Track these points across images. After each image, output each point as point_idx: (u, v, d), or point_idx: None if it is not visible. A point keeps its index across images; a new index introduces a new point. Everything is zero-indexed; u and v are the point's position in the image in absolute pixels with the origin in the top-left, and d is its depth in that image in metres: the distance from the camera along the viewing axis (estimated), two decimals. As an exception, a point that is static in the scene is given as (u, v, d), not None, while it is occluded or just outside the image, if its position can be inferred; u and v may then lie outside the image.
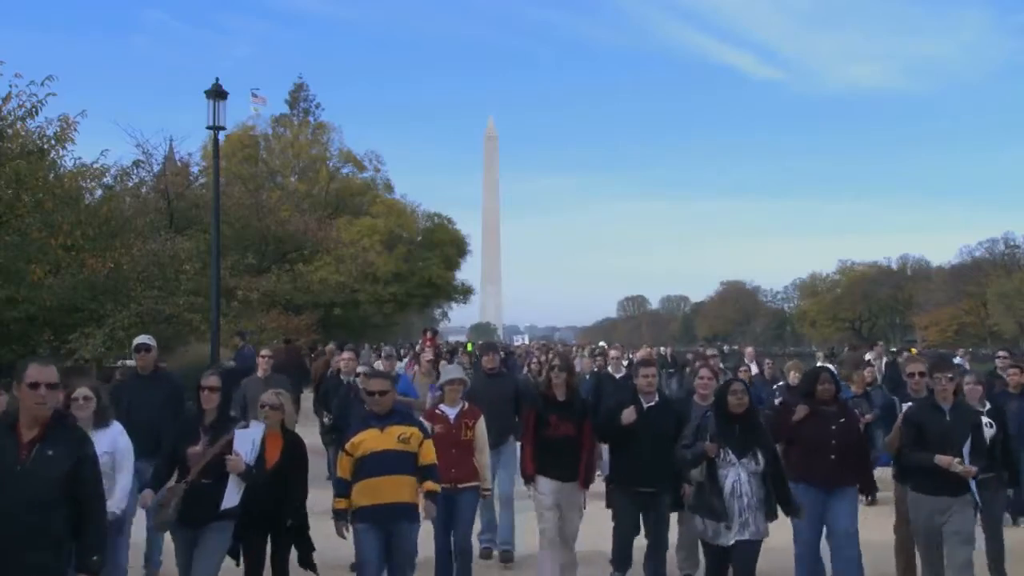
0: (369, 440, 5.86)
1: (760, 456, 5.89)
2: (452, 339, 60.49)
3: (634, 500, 6.79)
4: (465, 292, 53.11)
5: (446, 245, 47.48)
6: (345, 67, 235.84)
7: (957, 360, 20.68)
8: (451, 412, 6.94)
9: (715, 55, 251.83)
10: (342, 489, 5.91)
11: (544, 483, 7.04)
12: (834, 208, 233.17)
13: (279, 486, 5.79)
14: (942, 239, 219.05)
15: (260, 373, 9.64)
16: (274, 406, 6.00)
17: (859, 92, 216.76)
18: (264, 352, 10.20)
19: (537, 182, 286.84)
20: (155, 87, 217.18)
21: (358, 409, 10.24)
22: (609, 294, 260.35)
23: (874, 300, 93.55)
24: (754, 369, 13.88)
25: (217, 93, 17.15)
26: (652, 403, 6.86)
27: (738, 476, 5.85)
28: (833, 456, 6.51)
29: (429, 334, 17.80)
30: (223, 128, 18.02)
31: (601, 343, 29.38)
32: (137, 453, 6.31)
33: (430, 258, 45.79)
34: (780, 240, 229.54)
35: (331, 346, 20.88)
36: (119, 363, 25.54)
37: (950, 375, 6.54)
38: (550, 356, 16.57)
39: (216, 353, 16.38)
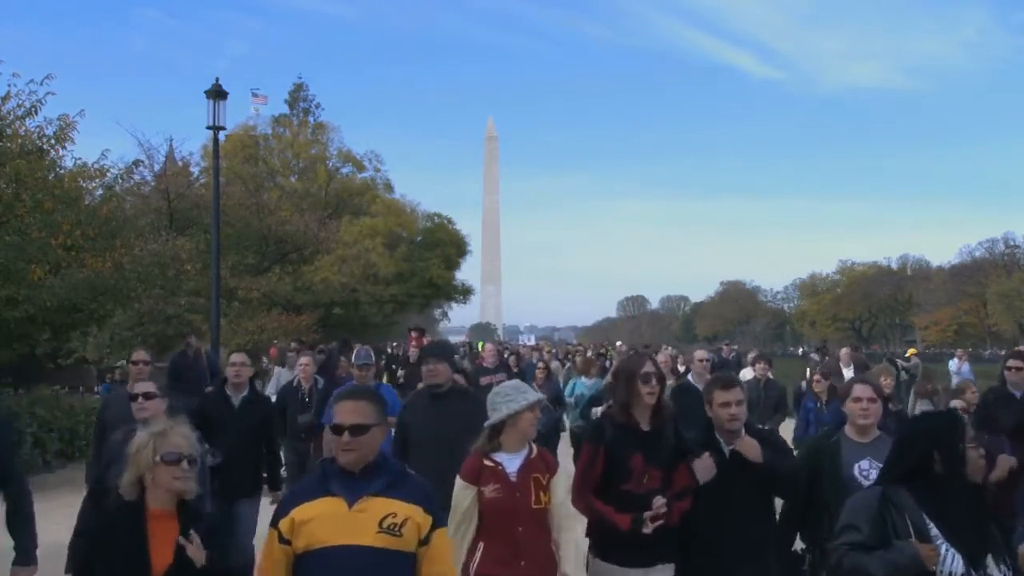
0: (323, 521, 3.17)
1: (1006, 556, 3.29)
2: (453, 339, 60.48)
3: None
4: (465, 292, 53.04)
5: (446, 245, 47.44)
6: (343, 66, 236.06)
7: (954, 362, 20.47)
8: (512, 463, 4.15)
9: (715, 54, 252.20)
10: None
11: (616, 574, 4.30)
12: (834, 208, 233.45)
13: None
14: (942, 239, 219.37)
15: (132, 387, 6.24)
16: (189, 458, 3.37)
17: (859, 91, 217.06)
18: (138, 356, 6.89)
19: (537, 182, 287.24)
20: (152, 86, 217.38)
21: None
22: (609, 294, 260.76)
23: (874, 300, 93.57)
24: (848, 376, 10.87)
25: (217, 93, 17.16)
26: (735, 445, 4.38)
27: None
28: None
29: (415, 334, 15.03)
30: (223, 128, 18.05)
31: (619, 343, 28.51)
32: None
33: (430, 258, 45.76)
34: (780, 240, 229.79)
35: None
36: (120, 363, 25.61)
37: None
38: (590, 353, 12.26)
39: (216, 353, 16.38)
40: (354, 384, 7.14)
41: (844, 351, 13.61)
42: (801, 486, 4.50)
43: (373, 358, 8.30)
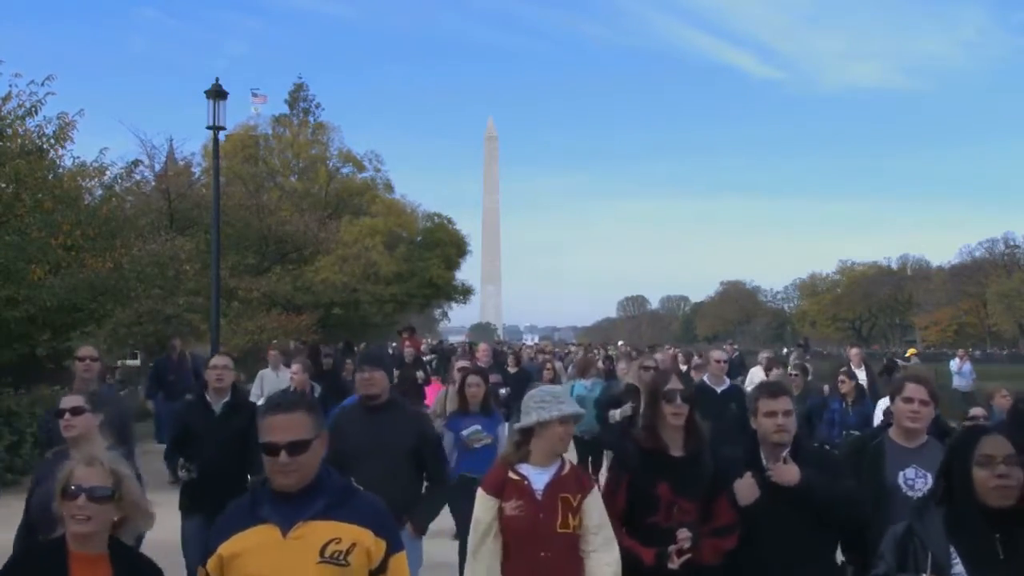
0: (255, 555, 2.72)
1: None
2: (452, 339, 60.39)
3: None
4: (465, 292, 53.00)
5: (446, 245, 47.41)
6: (343, 66, 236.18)
7: (955, 362, 20.45)
8: (539, 478, 3.71)
9: (715, 54, 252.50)
10: None
11: None
12: (834, 208, 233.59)
13: None
14: (942, 239, 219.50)
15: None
16: (92, 493, 2.78)
17: (859, 91, 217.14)
18: (85, 352, 6.32)
19: (537, 182, 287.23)
20: (152, 86, 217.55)
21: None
22: (609, 294, 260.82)
23: (874, 300, 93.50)
24: (862, 378, 10.38)
25: (217, 93, 17.15)
26: (770, 470, 3.89)
27: None
28: None
29: (406, 335, 14.65)
30: (223, 128, 18.05)
31: (620, 342, 28.08)
32: None
33: (430, 258, 45.74)
34: (780, 240, 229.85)
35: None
36: (119, 363, 25.63)
37: None
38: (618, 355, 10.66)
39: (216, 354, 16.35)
40: (281, 392, 6.45)
41: (855, 351, 12.99)
42: (865, 512, 3.84)
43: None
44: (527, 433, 3.72)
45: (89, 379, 6.16)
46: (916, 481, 3.99)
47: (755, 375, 12.47)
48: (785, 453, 3.85)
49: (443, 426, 6.61)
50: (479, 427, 6.26)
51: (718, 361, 8.20)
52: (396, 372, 13.58)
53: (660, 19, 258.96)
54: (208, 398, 6.03)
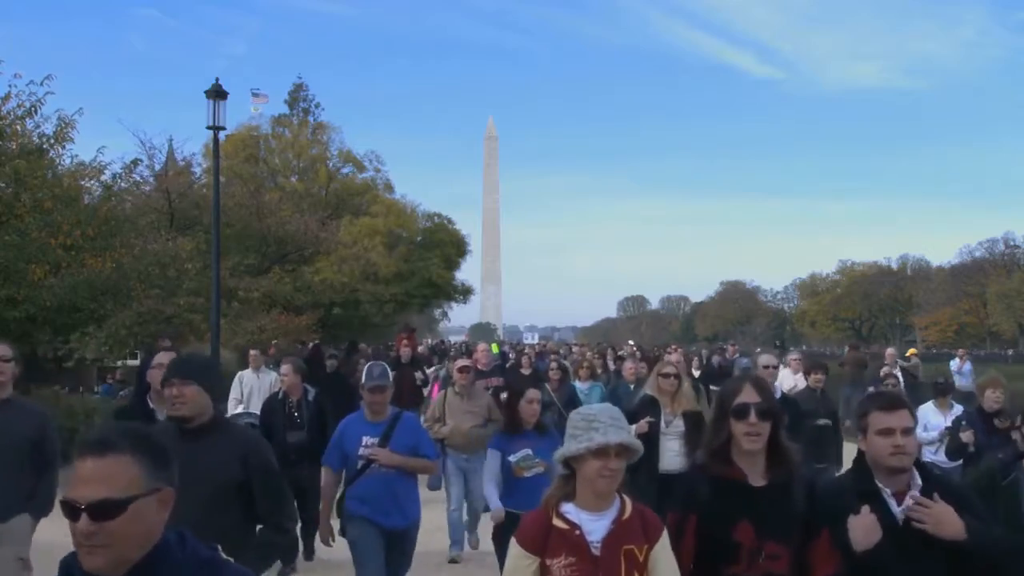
0: None
1: None
2: (453, 339, 60.36)
3: None
4: (465, 292, 53.01)
5: (446, 245, 47.41)
6: (344, 66, 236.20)
7: (955, 362, 20.45)
8: (595, 527, 2.84)
9: (714, 54, 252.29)
10: None
11: None
12: (834, 208, 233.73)
13: None
14: (942, 239, 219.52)
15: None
16: None
17: (858, 91, 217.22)
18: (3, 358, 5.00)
19: (537, 182, 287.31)
20: (152, 86, 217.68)
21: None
22: (609, 294, 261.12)
23: (874, 300, 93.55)
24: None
25: (217, 93, 17.13)
26: (908, 508, 2.92)
27: None
28: None
29: (404, 334, 14.24)
30: (223, 128, 18.03)
31: (630, 342, 27.74)
32: None
33: (430, 258, 45.74)
34: (780, 240, 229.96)
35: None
36: (119, 363, 25.61)
37: None
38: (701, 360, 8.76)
39: (217, 354, 16.35)
40: (101, 430, 4.47)
41: (890, 351, 11.20)
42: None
43: (391, 377, 5.91)
44: (570, 466, 2.89)
45: (3, 383, 4.93)
46: None
47: (785, 379, 10.84)
48: (918, 484, 2.91)
49: (488, 446, 5.77)
50: (530, 451, 5.35)
51: (767, 367, 6.99)
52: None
53: (660, 19, 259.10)
54: (151, 404, 4.98)
